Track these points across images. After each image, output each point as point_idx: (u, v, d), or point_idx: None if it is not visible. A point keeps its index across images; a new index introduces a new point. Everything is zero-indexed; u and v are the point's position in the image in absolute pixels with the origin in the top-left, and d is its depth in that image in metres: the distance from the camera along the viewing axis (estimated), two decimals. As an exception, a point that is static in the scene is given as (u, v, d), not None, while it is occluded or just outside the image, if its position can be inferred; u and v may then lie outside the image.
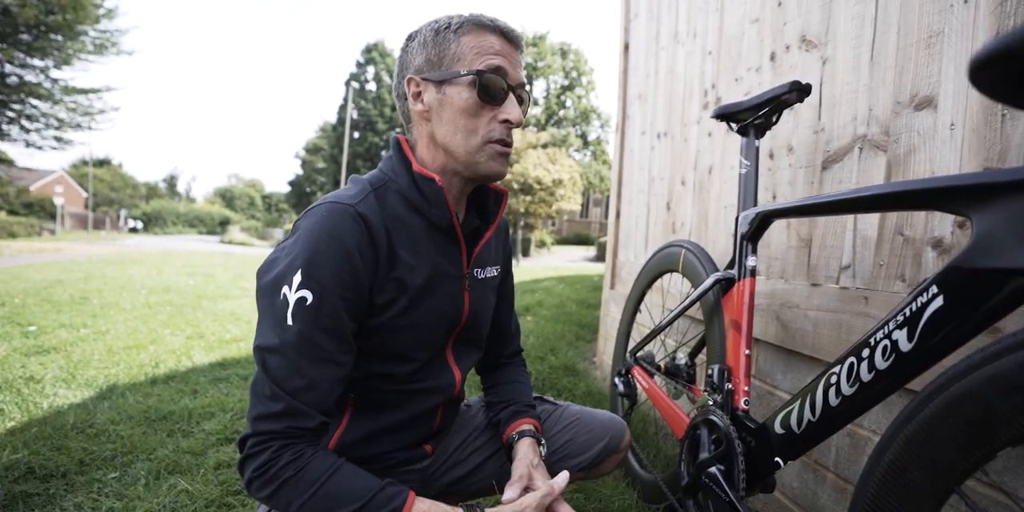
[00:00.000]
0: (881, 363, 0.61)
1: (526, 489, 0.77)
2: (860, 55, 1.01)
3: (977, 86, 0.36)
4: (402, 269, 0.73)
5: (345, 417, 0.80)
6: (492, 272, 0.89)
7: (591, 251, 25.17)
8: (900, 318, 0.59)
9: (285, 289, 0.66)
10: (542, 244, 27.66)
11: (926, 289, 0.56)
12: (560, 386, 2.15)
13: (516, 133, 17.20)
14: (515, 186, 16.22)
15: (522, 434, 0.87)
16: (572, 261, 18.83)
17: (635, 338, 1.56)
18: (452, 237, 0.79)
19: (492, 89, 0.71)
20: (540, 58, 33.55)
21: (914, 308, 0.57)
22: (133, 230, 39.89)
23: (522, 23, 35.38)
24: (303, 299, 0.66)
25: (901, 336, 0.58)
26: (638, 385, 1.33)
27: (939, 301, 0.55)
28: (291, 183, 43.18)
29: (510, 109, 0.74)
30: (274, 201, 60.59)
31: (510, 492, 0.75)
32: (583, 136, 34.84)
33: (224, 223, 43.81)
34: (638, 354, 1.39)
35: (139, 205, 45.45)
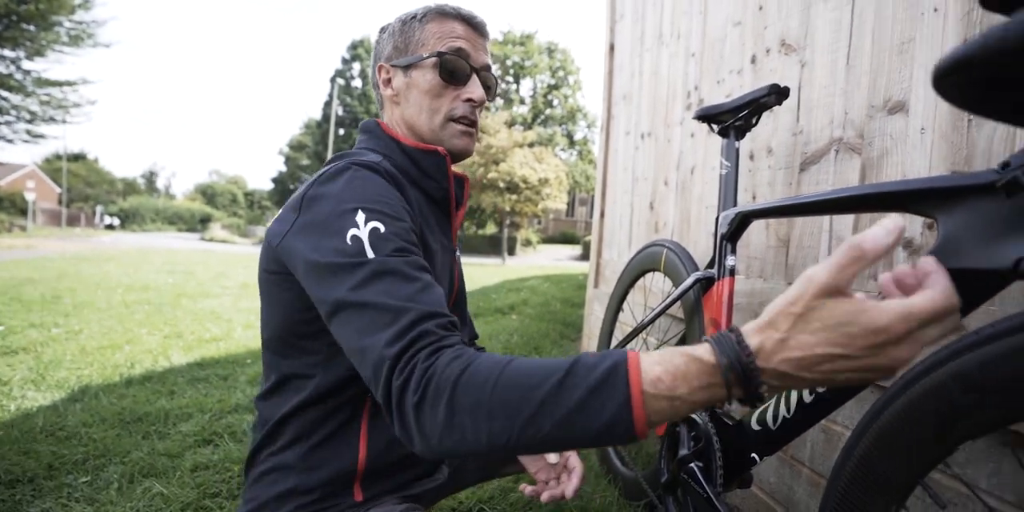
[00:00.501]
0: (852, 361, 0.62)
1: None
2: (837, 60, 1.04)
3: (940, 93, 0.37)
4: (420, 231, 0.74)
5: (363, 424, 0.75)
6: (458, 251, 0.92)
7: (577, 250, 25.30)
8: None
9: (353, 231, 0.60)
10: (528, 243, 27.69)
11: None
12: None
13: (502, 132, 17.28)
14: (501, 185, 16.22)
15: None
16: (558, 260, 18.89)
17: (617, 337, 1.57)
18: (445, 209, 0.84)
19: (454, 69, 0.77)
20: (527, 57, 33.58)
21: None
22: (109, 227, 39.02)
23: (510, 22, 35.37)
24: (376, 230, 0.61)
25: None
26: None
27: (907, 300, 0.56)
28: (274, 180, 42.65)
29: (473, 88, 0.78)
30: (257, 198, 59.71)
31: (553, 456, 0.86)
32: (569, 135, 34.96)
33: (205, 220, 43.05)
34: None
35: (116, 201, 44.48)
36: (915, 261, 0.42)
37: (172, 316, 3.75)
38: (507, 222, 19.00)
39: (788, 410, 0.72)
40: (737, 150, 1.05)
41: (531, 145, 18.53)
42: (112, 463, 1.45)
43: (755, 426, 0.79)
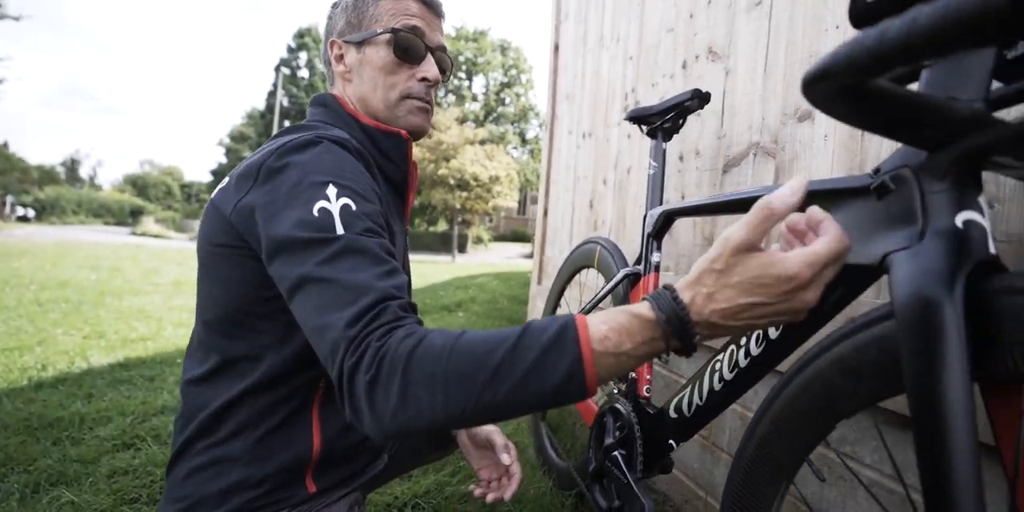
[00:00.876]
0: (755, 350, 0.67)
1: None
2: (756, 68, 1.10)
3: (810, 101, 0.40)
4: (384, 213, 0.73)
5: (315, 411, 0.71)
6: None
7: (528, 248, 25.49)
8: (769, 309, 0.65)
9: (322, 203, 0.58)
10: (479, 240, 27.65)
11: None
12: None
13: (454, 128, 17.15)
14: (451, 182, 16.11)
15: None
16: (509, 257, 18.99)
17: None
18: (401, 192, 0.83)
19: (408, 47, 0.76)
20: (480, 54, 33.46)
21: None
22: (23, 219, 35.81)
23: (463, 18, 35.11)
24: (348, 206, 0.59)
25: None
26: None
27: (800, 293, 0.61)
28: (214, 172, 40.55)
29: (428, 67, 0.78)
30: (195, 191, 56.54)
31: (507, 457, 0.85)
32: (521, 134, 35.14)
33: (136, 213, 40.35)
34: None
35: (30, 191, 40.87)
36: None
37: (93, 315, 3.50)
38: (458, 219, 18.90)
39: (700, 398, 0.77)
40: (664, 151, 1.09)
41: (482, 142, 18.50)
42: (14, 472, 1.35)
43: (673, 414, 0.83)
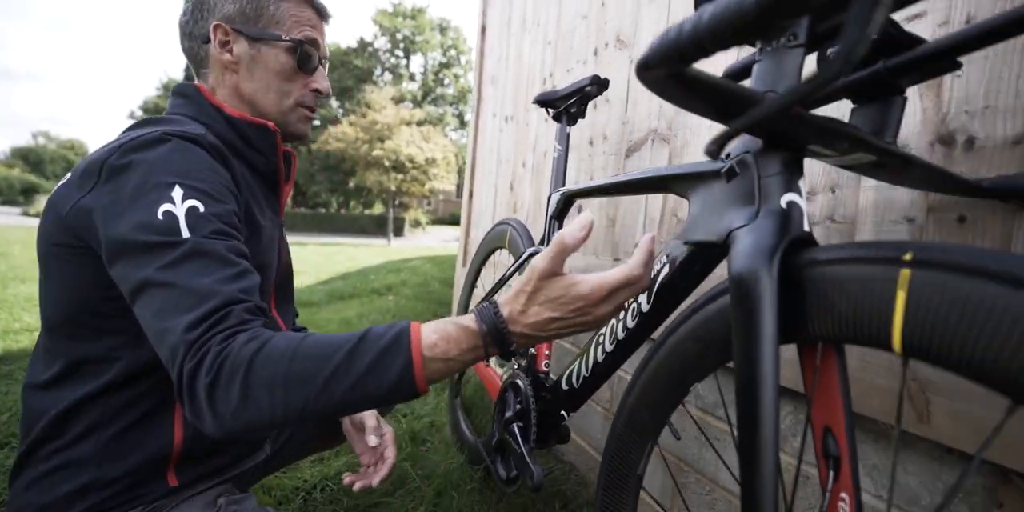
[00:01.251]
0: (631, 323, 0.72)
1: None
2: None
3: (646, 86, 0.43)
4: (247, 206, 0.72)
5: (176, 415, 0.70)
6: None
7: (466, 232, 25.38)
8: (642, 284, 0.70)
9: (166, 206, 0.57)
10: (417, 223, 27.19)
11: (659, 259, 0.67)
12: (408, 363, 2.17)
13: (389, 108, 16.63)
14: (386, 163, 15.67)
15: None
16: (446, 241, 18.83)
17: (473, 313, 1.62)
18: (272, 184, 0.82)
19: (309, 60, 0.78)
20: (418, 32, 32.44)
21: (651, 274, 0.68)
22: None
23: (399, -8, 33.75)
24: (195, 209, 0.58)
25: (643, 298, 0.69)
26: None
27: (666, 269, 0.66)
28: (121, 147, 36.91)
29: (321, 80, 0.80)
30: (98, 167, 51.35)
31: (374, 438, 0.85)
32: (460, 116, 34.63)
33: (29, 191, 36.26)
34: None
35: None
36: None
37: (-29, 303, 3.15)
38: (395, 202, 18.47)
39: (587, 370, 0.81)
40: (568, 135, 1.12)
41: (420, 124, 18.07)
42: None
43: (564, 386, 0.87)
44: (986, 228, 0.57)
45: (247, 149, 0.76)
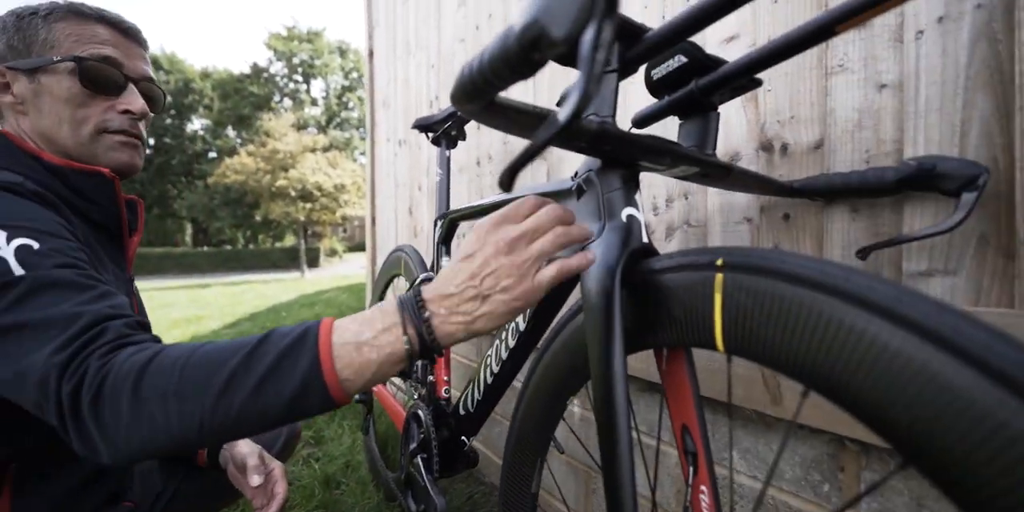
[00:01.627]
0: (511, 342, 0.72)
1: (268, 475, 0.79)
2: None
3: (466, 116, 0.44)
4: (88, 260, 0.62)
5: (4, 503, 0.61)
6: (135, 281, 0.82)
7: (386, 257, 24.80)
8: (518, 302, 0.71)
9: None
10: (333, 252, 26.15)
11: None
12: (320, 402, 2.05)
13: (290, 135, 15.93)
14: (292, 193, 14.99)
15: None
16: (363, 268, 18.25)
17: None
18: (114, 236, 0.73)
19: (101, 78, 0.67)
20: (317, 56, 31.66)
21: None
22: None
23: (294, 17, 32.84)
24: (27, 247, 0.51)
25: (519, 319, 0.70)
26: (372, 390, 1.34)
27: (536, 286, 0.67)
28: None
29: (131, 99, 0.70)
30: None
31: (256, 478, 0.76)
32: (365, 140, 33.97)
33: None
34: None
35: None
36: None
37: None
38: (308, 232, 17.67)
39: (479, 392, 0.80)
40: (448, 158, 1.13)
41: (325, 149, 17.51)
42: None
43: (462, 412, 0.86)
44: (805, 223, 0.64)
45: (79, 200, 0.67)
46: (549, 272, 0.47)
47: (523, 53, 0.30)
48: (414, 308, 0.46)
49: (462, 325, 0.46)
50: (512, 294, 0.46)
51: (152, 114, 0.74)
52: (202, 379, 0.43)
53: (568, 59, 0.48)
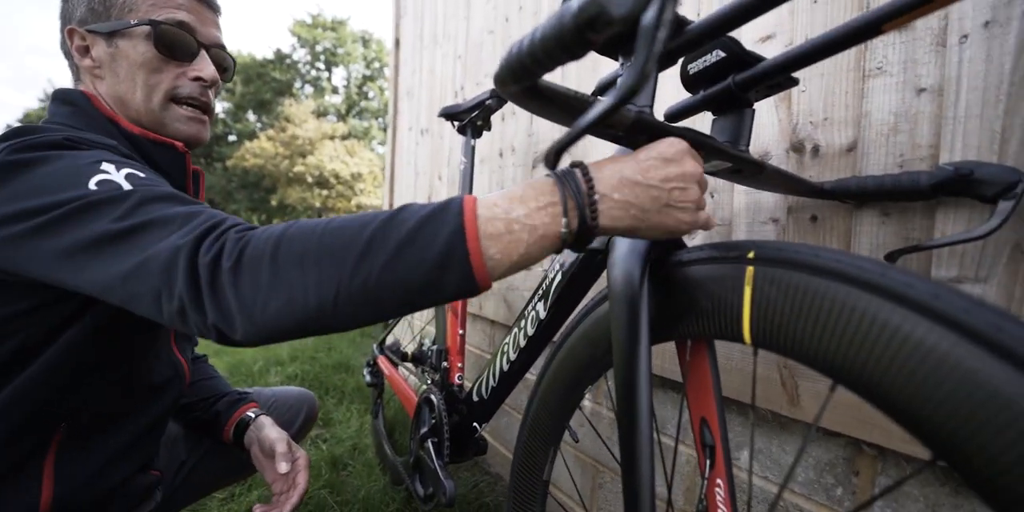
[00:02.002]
0: (531, 330, 0.73)
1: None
2: (557, 71, 1.19)
3: (507, 99, 0.45)
4: None
5: (48, 462, 0.61)
6: None
7: (397, 247, 24.87)
8: (539, 293, 0.71)
9: (100, 177, 0.49)
10: (345, 241, 26.30)
11: (552, 267, 0.69)
12: (329, 383, 2.08)
13: (310, 122, 16.05)
14: (309, 179, 15.12)
15: (257, 414, 0.87)
16: (377, 258, 18.32)
17: (394, 332, 1.59)
18: None
19: (175, 43, 0.67)
20: (340, 45, 31.70)
21: (546, 284, 0.70)
22: None
23: (320, 5, 32.96)
24: (134, 174, 0.51)
25: (540, 306, 0.71)
26: (384, 374, 1.36)
27: (559, 276, 0.68)
28: None
29: (202, 65, 0.70)
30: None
31: (284, 465, 0.77)
32: (386, 129, 34.08)
33: None
34: (387, 344, 1.42)
35: None
36: None
37: None
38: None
39: (495, 379, 0.81)
40: (473, 147, 1.14)
41: (344, 138, 17.61)
42: None
43: (475, 398, 0.87)
44: (833, 225, 0.64)
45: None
46: (706, 216, 0.45)
47: (578, 32, 0.30)
48: (579, 187, 0.41)
49: (631, 220, 0.42)
50: (684, 217, 0.43)
51: (223, 82, 0.75)
52: (341, 243, 0.40)
53: (614, 47, 0.49)
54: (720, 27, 0.45)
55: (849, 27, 0.43)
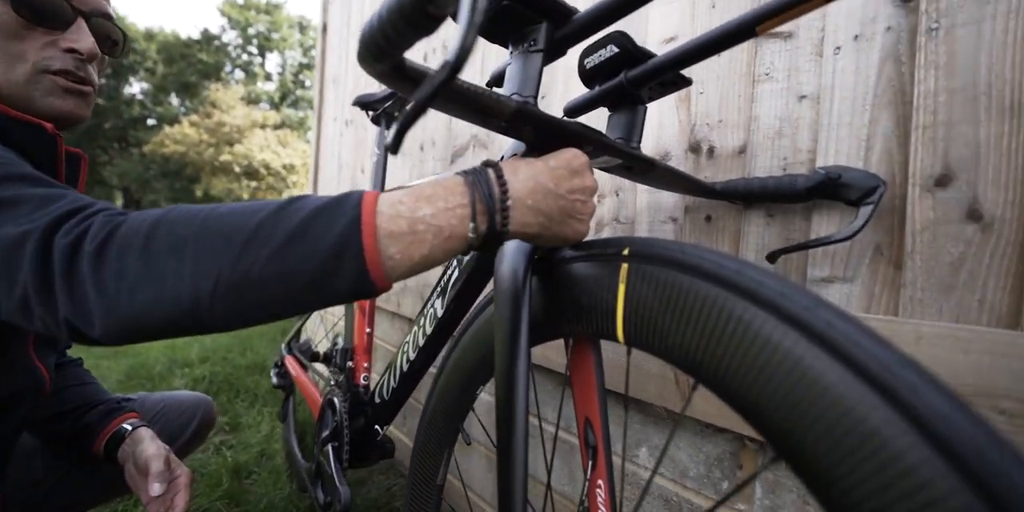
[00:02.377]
0: (428, 328, 0.70)
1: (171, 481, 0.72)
2: (474, 64, 1.16)
3: (374, 78, 0.42)
4: None
5: None
6: None
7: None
8: (438, 289, 0.69)
9: None
10: (277, 235, 25.13)
11: (449, 264, 0.67)
12: (241, 386, 1.96)
13: (239, 109, 15.14)
14: (237, 169, 14.28)
15: (135, 426, 0.78)
16: (311, 253, 17.64)
17: (307, 330, 1.51)
18: None
19: (42, 7, 0.58)
20: (275, 29, 30.16)
21: (444, 280, 0.67)
22: None
23: (250, -15, 31.12)
24: None
25: (438, 304, 0.68)
26: (291, 375, 1.29)
27: (456, 273, 0.65)
28: None
29: (78, 36, 0.61)
30: None
31: (157, 487, 0.70)
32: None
33: None
34: (299, 342, 1.35)
35: None
36: None
37: None
38: (249, 211, 16.89)
39: (395, 380, 0.78)
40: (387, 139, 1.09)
41: (277, 127, 16.77)
42: None
43: (377, 400, 0.83)
44: (725, 225, 0.65)
45: (16, 155, 0.57)
46: (587, 227, 0.46)
47: (418, 4, 0.28)
48: (491, 190, 0.39)
49: (538, 227, 0.41)
50: (581, 228, 0.45)
51: (108, 58, 0.66)
52: (225, 231, 0.36)
53: (503, 35, 0.47)
54: (607, 16, 0.45)
55: (728, 28, 0.43)
